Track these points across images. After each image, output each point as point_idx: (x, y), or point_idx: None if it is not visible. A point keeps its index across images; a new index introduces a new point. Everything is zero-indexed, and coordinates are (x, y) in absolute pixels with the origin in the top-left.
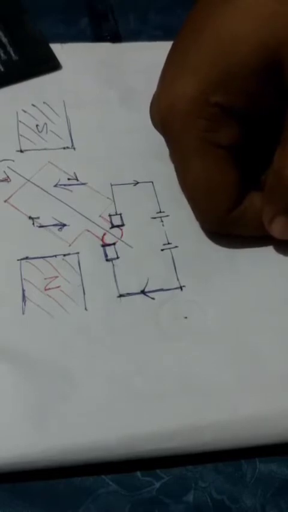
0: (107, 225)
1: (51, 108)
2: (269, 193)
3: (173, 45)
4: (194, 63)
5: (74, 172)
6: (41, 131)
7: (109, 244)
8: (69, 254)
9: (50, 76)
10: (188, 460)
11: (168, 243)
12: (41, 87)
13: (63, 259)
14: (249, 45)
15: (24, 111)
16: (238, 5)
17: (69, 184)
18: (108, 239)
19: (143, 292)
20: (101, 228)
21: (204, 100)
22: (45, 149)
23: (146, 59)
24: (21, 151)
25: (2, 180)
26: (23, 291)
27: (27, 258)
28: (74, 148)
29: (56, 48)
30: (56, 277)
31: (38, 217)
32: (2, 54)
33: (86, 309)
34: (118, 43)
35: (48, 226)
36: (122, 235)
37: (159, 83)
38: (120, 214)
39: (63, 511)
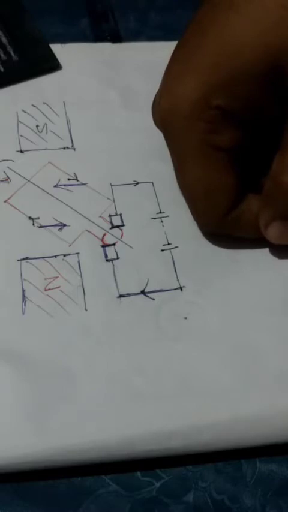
0: (107, 226)
1: (51, 108)
2: (266, 198)
3: (177, 45)
4: (197, 65)
5: (74, 173)
6: (41, 131)
7: (109, 245)
8: (69, 254)
9: (50, 76)
10: (188, 460)
11: (168, 244)
12: (41, 87)
13: (63, 259)
14: (253, 49)
15: (24, 112)
16: (243, 9)
17: (69, 185)
18: (108, 239)
19: (143, 292)
20: (101, 228)
21: (205, 102)
22: (45, 149)
23: (146, 59)
24: (21, 151)
25: (2, 181)
26: (23, 291)
27: (27, 258)
28: (74, 149)
29: (56, 48)
30: (56, 277)
31: (38, 218)
32: (2, 54)
33: (86, 309)
34: (118, 43)
35: (48, 227)
36: (122, 235)
37: (162, 82)
38: (120, 214)
39: (63, 511)
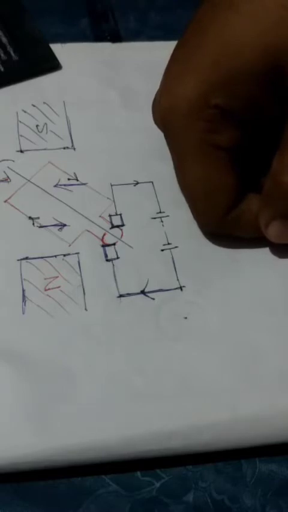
0: (107, 225)
1: (51, 108)
2: (266, 198)
3: (176, 45)
4: (197, 64)
5: (74, 173)
6: (41, 131)
7: (109, 245)
8: (69, 254)
9: (50, 76)
10: (188, 460)
11: (168, 243)
12: (41, 87)
13: (63, 259)
14: (253, 49)
15: (24, 111)
16: (243, 9)
17: (69, 185)
18: (108, 239)
19: (143, 292)
20: (101, 228)
21: (205, 101)
22: (45, 149)
23: (146, 59)
24: (21, 151)
25: (2, 180)
26: (23, 291)
27: (27, 258)
28: (74, 149)
29: (56, 48)
30: (56, 277)
31: (38, 218)
32: (2, 54)
33: (86, 309)
34: (118, 43)
35: (48, 227)
36: (122, 235)
37: (162, 82)
38: (120, 214)
39: (63, 511)
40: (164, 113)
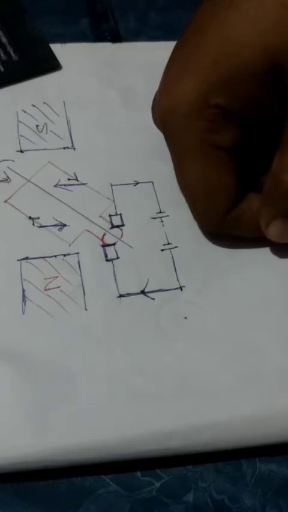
0: (107, 225)
1: (51, 108)
2: (266, 197)
3: (176, 44)
4: (196, 64)
5: (74, 173)
6: (41, 131)
7: (109, 245)
8: (69, 254)
9: (50, 76)
10: (188, 460)
11: (168, 243)
12: (41, 87)
13: (63, 259)
14: (253, 49)
15: (24, 111)
16: (243, 9)
17: (69, 184)
18: (108, 239)
19: (143, 292)
20: (101, 228)
21: (205, 101)
22: (45, 149)
23: (146, 59)
24: (21, 151)
25: (2, 180)
26: (23, 291)
27: (27, 258)
28: (74, 149)
29: (56, 48)
30: (56, 277)
31: (38, 218)
32: (2, 54)
33: (86, 309)
34: (118, 43)
35: (48, 227)
36: (122, 235)
37: (161, 81)
38: (120, 214)
39: (63, 511)
40: (164, 113)
